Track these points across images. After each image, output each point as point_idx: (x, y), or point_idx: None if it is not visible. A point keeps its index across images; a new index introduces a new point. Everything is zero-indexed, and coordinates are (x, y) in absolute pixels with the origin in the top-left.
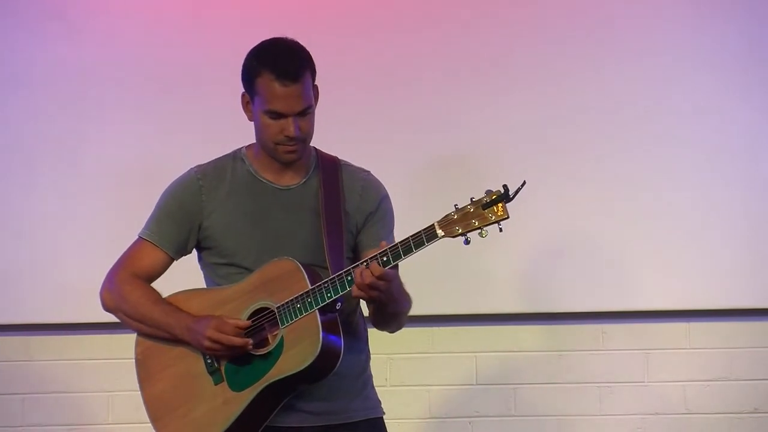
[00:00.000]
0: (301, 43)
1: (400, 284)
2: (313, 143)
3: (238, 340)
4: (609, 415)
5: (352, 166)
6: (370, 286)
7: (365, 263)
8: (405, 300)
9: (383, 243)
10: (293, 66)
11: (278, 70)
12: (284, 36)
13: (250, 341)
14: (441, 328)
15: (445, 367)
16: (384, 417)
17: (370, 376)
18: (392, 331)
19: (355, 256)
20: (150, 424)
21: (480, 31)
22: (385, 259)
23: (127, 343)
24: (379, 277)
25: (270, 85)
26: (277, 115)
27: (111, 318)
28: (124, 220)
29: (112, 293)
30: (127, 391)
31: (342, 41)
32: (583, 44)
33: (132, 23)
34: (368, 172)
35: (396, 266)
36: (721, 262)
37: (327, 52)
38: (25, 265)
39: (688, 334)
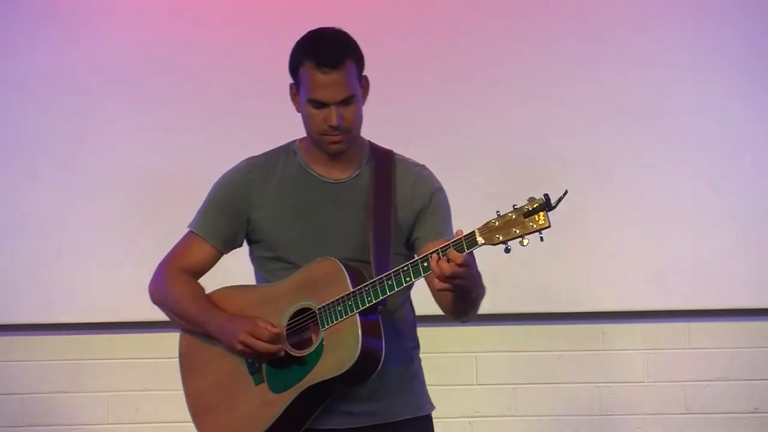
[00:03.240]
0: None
1: (477, 269)
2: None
3: (271, 347)
4: (609, 415)
5: (407, 160)
6: (452, 276)
7: (405, 268)
8: (482, 284)
9: (459, 231)
10: (333, 53)
11: (318, 57)
12: (330, 27)
13: (283, 349)
14: (441, 328)
15: (445, 367)
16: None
17: (419, 372)
18: (467, 320)
19: (410, 252)
20: (148, 424)
21: (476, 34)
22: (425, 264)
23: (127, 343)
24: (460, 265)
25: (311, 73)
26: (319, 104)
27: (110, 318)
28: (125, 220)
29: (158, 288)
30: (127, 391)
31: None
32: (581, 46)
33: (132, 24)
34: (423, 166)
35: (472, 252)
36: (721, 262)
37: None
38: (25, 265)
39: (688, 334)
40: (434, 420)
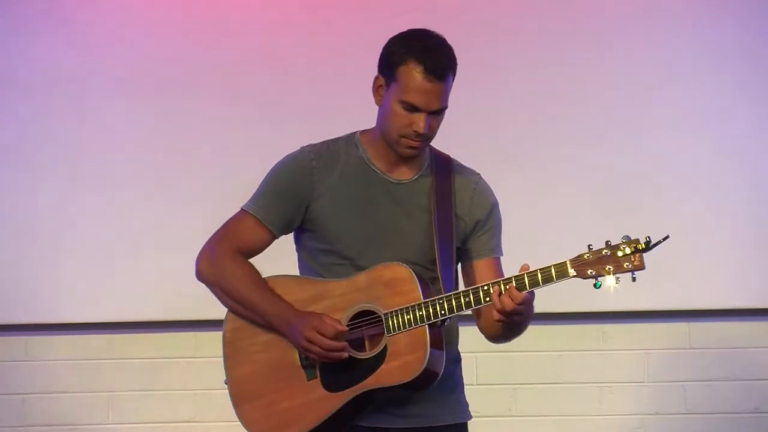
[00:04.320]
0: (301, 43)
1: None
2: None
3: (335, 344)
4: (609, 415)
5: (464, 166)
6: (512, 313)
7: (486, 287)
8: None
9: (525, 266)
10: (443, 63)
11: (428, 63)
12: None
13: (346, 347)
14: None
15: None
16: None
17: (461, 378)
18: (500, 343)
19: (460, 261)
20: (148, 424)
21: (476, 29)
22: (507, 287)
23: (127, 343)
24: (520, 303)
25: (414, 76)
26: (411, 108)
27: (110, 318)
28: (125, 221)
29: (212, 266)
30: (127, 391)
31: (340, 41)
32: (583, 43)
33: (132, 24)
34: (479, 175)
35: (532, 291)
36: (722, 262)
37: (323, 53)
38: (25, 265)
39: (688, 334)
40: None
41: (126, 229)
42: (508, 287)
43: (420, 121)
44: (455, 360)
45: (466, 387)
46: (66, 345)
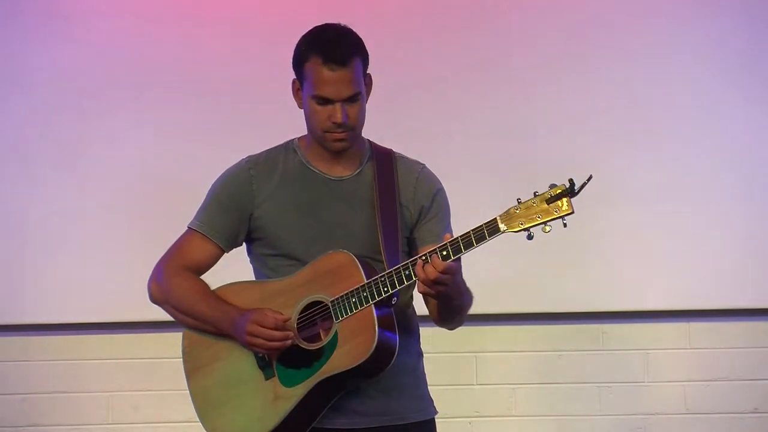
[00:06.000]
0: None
1: (462, 277)
2: None
3: (277, 334)
4: (609, 415)
5: (407, 158)
6: (435, 282)
7: (424, 257)
8: (468, 294)
9: (447, 236)
10: (341, 50)
11: (325, 54)
12: (337, 23)
13: (291, 334)
14: (441, 328)
15: (445, 367)
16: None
17: (423, 374)
18: (453, 328)
19: (410, 251)
20: (148, 424)
21: (476, 32)
22: (444, 253)
23: (127, 343)
24: (443, 271)
25: (317, 69)
26: (324, 101)
27: (111, 318)
28: (125, 220)
29: (160, 286)
30: (127, 391)
31: None
32: (581, 44)
33: (132, 25)
34: (423, 165)
35: (458, 259)
36: (721, 262)
37: None
38: (25, 265)
39: (688, 334)
40: (435, 419)
41: (126, 228)
42: (444, 253)
43: (336, 112)
44: (417, 354)
45: (466, 387)
46: (66, 345)
